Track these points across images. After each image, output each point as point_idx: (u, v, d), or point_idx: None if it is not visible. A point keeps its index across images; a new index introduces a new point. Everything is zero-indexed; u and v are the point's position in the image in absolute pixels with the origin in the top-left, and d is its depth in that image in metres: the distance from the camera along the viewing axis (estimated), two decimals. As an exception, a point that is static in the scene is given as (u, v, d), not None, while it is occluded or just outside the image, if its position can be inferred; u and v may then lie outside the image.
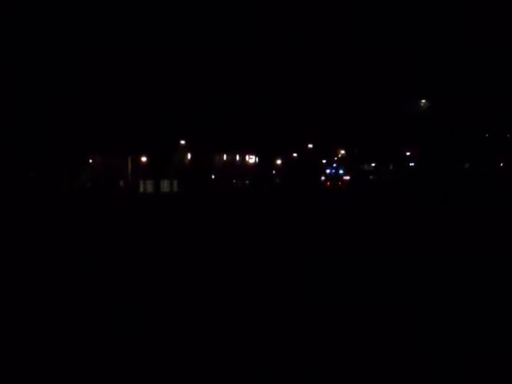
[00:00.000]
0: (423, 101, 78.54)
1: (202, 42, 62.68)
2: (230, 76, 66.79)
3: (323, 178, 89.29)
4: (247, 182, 79.45)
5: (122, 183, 57.55)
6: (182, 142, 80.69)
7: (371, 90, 76.45)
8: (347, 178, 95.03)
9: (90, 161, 70.66)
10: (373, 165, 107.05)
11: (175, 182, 58.43)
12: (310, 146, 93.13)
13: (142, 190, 54.66)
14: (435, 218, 20.26)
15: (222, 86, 67.41)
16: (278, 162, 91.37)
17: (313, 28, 61.31)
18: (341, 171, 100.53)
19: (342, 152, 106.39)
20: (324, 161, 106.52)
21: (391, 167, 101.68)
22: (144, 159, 77.59)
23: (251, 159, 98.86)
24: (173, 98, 64.90)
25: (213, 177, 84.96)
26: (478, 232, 15.51)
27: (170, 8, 60.85)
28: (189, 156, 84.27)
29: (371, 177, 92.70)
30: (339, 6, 64.95)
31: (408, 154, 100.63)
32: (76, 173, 54.73)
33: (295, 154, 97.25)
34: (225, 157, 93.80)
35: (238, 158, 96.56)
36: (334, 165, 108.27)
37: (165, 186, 56.51)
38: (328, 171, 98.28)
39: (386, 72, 75.35)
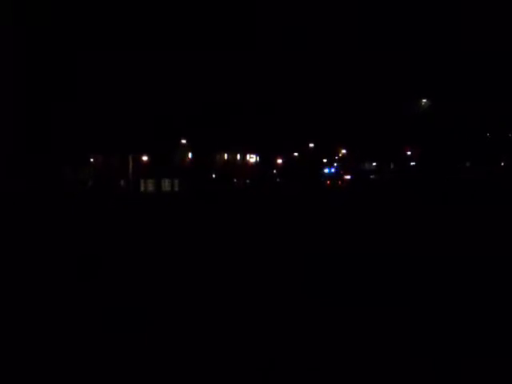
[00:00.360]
0: (424, 100, 78.51)
1: (202, 41, 62.67)
2: (230, 75, 66.79)
3: (324, 177, 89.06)
4: (248, 181, 79.38)
5: (122, 182, 57.54)
6: (183, 141, 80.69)
7: (372, 90, 76.39)
8: (348, 177, 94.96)
9: (91, 160, 70.70)
10: (374, 164, 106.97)
11: (176, 181, 58.42)
12: (311, 145, 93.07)
13: (142, 188, 54.65)
14: (435, 217, 20.26)
15: (222, 85, 67.40)
16: (279, 161, 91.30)
17: (313, 28, 61.21)
18: (335, 170, 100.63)
19: (343, 151, 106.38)
20: (325, 160, 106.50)
21: (392, 166, 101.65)
22: (145, 158, 77.58)
23: (252, 158, 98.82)
24: (174, 97, 64.91)
25: (213, 176, 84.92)
26: (478, 232, 15.52)
27: (170, 8, 60.83)
28: (190, 155, 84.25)
29: (372, 176, 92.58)
30: (340, 5, 64.91)
31: (409, 153, 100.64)
32: (77, 172, 54.72)
33: (296, 154, 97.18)
34: (226, 156, 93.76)
35: (238, 157, 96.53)
36: (335, 164, 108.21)
37: (166, 185, 56.50)
38: (327, 170, 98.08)
39: (386, 71, 75.28)
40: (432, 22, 67.24)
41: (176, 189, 56.81)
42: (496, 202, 29.00)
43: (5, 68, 47.81)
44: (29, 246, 13.11)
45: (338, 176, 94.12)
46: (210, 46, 63.05)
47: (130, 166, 70.74)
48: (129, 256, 11.86)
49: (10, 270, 10.06)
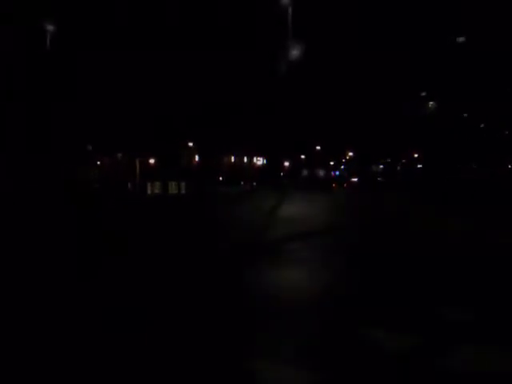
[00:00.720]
0: (431, 103, 78.63)
1: (211, 42, 62.91)
2: (238, 78, 66.98)
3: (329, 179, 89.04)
4: (255, 183, 79.56)
5: (129, 185, 57.79)
6: (190, 143, 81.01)
7: (378, 92, 76.46)
8: (355, 179, 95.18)
9: (98, 162, 71.09)
10: (381, 166, 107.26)
11: (183, 184, 58.58)
12: (318, 147, 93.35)
13: (149, 191, 54.82)
14: (439, 217, 20.22)
15: (229, 87, 67.60)
16: (286, 163, 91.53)
17: (321, 29, 61.24)
18: (340, 173, 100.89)
19: (350, 154, 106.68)
20: (332, 162, 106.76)
21: (399, 168, 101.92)
22: (152, 161, 77.94)
23: (259, 161, 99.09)
24: (181, 99, 65.16)
25: (220, 178, 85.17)
26: (482, 232, 15.48)
27: (178, 7, 61.07)
28: (196, 157, 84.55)
29: (379, 179, 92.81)
30: (349, 6, 65.04)
31: (416, 155, 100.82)
32: (84, 174, 54.92)
33: (303, 156, 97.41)
34: (232, 158, 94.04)
35: (245, 159, 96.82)
36: (342, 166, 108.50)
37: (173, 187, 56.62)
38: (332, 173, 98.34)
39: (392, 73, 75.28)
40: (441, 24, 67.37)
41: (183, 191, 56.91)
42: (500, 203, 28.99)
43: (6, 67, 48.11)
44: (33, 247, 13.15)
45: (343, 178, 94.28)
46: (221, 48, 63.28)
47: (137, 169, 71.05)
48: (132, 257, 11.88)
49: (13, 271, 10.10)
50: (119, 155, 69.24)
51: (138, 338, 5.92)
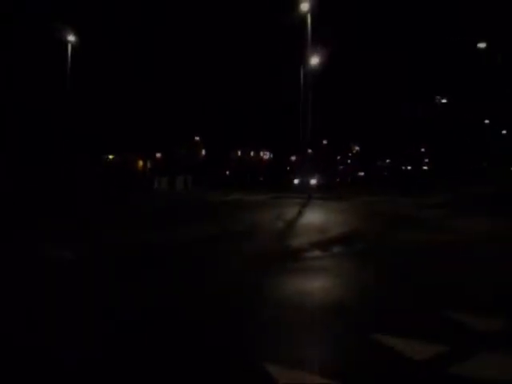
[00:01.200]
0: (438, 97, 78.45)
1: (218, 41, 62.89)
2: (243, 73, 66.95)
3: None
4: (261, 178, 79.46)
5: (136, 180, 57.89)
6: (197, 138, 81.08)
7: (385, 89, 76.22)
8: (361, 174, 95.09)
9: (105, 157, 71.22)
10: (387, 161, 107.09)
11: (190, 179, 58.68)
12: (325, 142, 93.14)
13: (156, 186, 54.90)
14: (450, 220, 20.21)
15: (237, 82, 67.59)
16: (293, 158, 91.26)
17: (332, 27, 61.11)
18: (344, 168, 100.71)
19: (357, 148, 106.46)
20: (338, 157, 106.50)
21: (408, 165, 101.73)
22: (159, 155, 78.01)
23: (265, 155, 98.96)
24: (188, 94, 65.19)
25: (227, 173, 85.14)
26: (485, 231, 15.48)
27: (182, 5, 61.09)
28: (203, 152, 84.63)
29: (385, 173, 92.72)
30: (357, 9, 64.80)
31: (423, 150, 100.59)
32: (87, 172, 55.01)
33: (310, 151, 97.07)
34: (239, 153, 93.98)
35: (252, 154, 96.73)
36: (349, 161, 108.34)
37: (179, 182, 56.68)
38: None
39: (399, 71, 75.04)
40: (446, 25, 67.18)
41: (189, 186, 56.99)
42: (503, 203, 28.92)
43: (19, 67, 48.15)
44: (35, 245, 13.14)
45: (348, 173, 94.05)
46: (226, 44, 63.23)
47: (148, 164, 71.19)
48: (135, 257, 11.89)
49: (13, 271, 10.17)
50: (126, 151, 69.36)
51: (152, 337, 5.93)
